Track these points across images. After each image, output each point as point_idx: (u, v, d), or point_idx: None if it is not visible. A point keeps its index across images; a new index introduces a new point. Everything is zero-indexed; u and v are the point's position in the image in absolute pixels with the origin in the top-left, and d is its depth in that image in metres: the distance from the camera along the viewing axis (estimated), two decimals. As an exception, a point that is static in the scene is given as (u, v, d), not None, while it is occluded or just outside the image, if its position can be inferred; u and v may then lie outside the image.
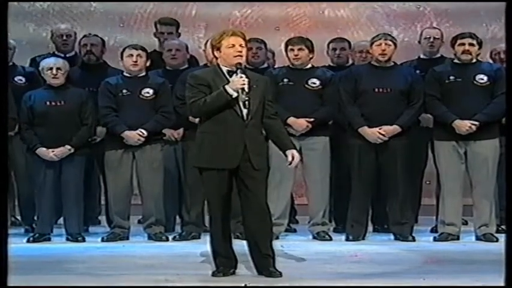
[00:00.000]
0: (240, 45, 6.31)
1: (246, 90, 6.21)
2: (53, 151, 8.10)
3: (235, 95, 6.20)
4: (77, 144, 8.15)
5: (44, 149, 8.11)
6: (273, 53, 9.11)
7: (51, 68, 8.20)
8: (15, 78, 8.62)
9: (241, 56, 6.30)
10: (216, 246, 6.38)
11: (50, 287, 6.19)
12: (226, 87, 6.20)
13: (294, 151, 6.41)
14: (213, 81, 6.29)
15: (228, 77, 6.28)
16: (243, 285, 6.14)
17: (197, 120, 6.57)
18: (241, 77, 6.21)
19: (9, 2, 6.12)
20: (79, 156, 8.20)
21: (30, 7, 10.66)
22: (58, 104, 8.18)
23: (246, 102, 6.23)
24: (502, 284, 6.17)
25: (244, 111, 6.26)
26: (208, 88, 6.28)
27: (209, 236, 6.42)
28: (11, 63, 8.73)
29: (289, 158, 6.38)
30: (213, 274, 6.35)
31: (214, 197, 6.31)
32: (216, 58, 6.41)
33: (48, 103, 8.17)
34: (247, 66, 6.57)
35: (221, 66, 6.35)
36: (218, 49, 6.35)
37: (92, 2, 10.70)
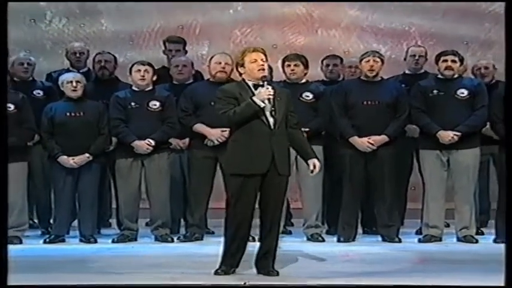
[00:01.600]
0: (262, 60, 6.32)
1: (272, 100, 6.20)
2: (73, 159, 8.08)
3: (262, 105, 6.19)
4: (95, 152, 8.14)
5: (65, 157, 8.09)
6: (271, 69, 9.08)
7: (70, 82, 8.21)
8: (34, 92, 8.61)
9: (264, 69, 6.31)
10: (230, 246, 6.33)
11: (49, 286, 6.14)
12: (254, 98, 6.20)
13: (316, 160, 6.43)
14: (239, 94, 6.29)
15: (253, 90, 6.28)
16: (242, 283, 6.13)
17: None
18: (267, 88, 6.21)
19: (9, 2, 5.92)
20: (96, 164, 8.20)
21: (47, 27, 10.67)
22: (77, 115, 8.17)
23: (273, 112, 6.22)
24: (484, 282, 6.20)
25: (271, 120, 6.25)
26: (236, 100, 6.28)
27: (224, 236, 6.37)
28: (30, 79, 8.74)
29: (311, 167, 6.41)
30: (216, 272, 6.32)
31: (241, 201, 6.26)
32: (241, 74, 6.39)
33: (68, 114, 8.17)
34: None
35: (246, 80, 6.34)
36: (242, 65, 6.36)
37: (103, 22, 10.70)
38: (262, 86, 6.25)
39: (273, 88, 6.27)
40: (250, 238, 6.46)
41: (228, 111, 6.28)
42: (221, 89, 6.48)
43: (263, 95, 6.19)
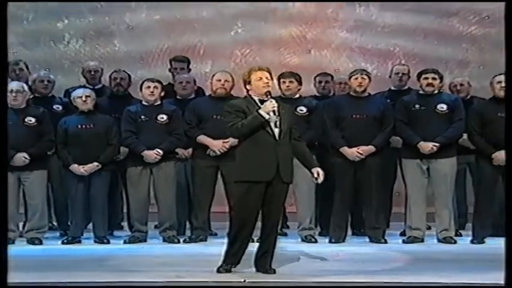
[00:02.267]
0: (266, 78, 6.30)
1: (277, 112, 6.19)
2: (83, 167, 8.06)
3: (267, 117, 6.17)
4: (104, 161, 8.12)
5: (76, 165, 8.07)
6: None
7: (80, 97, 8.19)
8: (54, 107, 8.60)
9: (268, 86, 6.29)
10: (233, 246, 6.30)
11: (48, 286, 6.08)
12: (260, 111, 6.18)
13: (319, 169, 6.40)
14: (247, 108, 6.27)
15: (259, 104, 6.25)
16: (242, 280, 6.12)
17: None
18: (271, 102, 6.20)
19: (9, 2, 5.81)
20: (105, 172, 8.17)
21: (65, 47, 10.68)
22: (88, 127, 8.15)
23: (277, 123, 6.21)
24: (462, 279, 6.19)
25: (276, 131, 6.22)
26: (244, 114, 6.25)
27: (228, 236, 6.36)
28: (50, 95, 8.73)
29: (315, 175, 6.38)
30: (218, 270, 6.30)
31: (246, 206, 6.24)
32: (248, 90, 6.36)
33: (79, 126, 8.15)
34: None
35: (253, 96, 6.31)
36: (249, 83, 6.33)
37: (116, 43, 10.70)
38: (267, 100, 6.24)
39: (276, 102, 6.27)
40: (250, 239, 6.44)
41: (237, 123, 6.25)
42: (230, 104, 6.47)
43: (268, 108, 6.18)
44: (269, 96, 6.26)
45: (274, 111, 6.19)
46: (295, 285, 6.16)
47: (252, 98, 6.33)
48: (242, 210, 6.26)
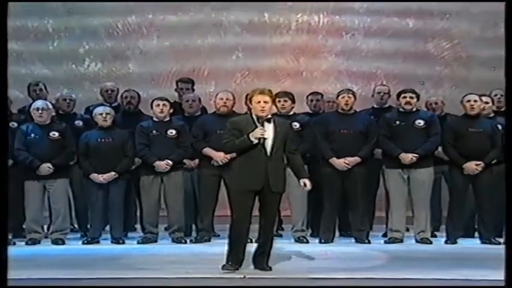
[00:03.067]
0: (264, 102, 6.19)
1: (265, 137, 6.14)
2: (102, 176, 8.06)
3: (255, 142, 6.14)
4: (121, 171, 8.11)
5: (96, 174, 8.06)
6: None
7: (101, 114, 8.19)
8: (75, 122, 8.59)
9: (264, 110, 6.21)
10: (233, 246, 6.27)
11: (48, 286, 5.99)
12: (250, 135, 6.14)
13: (306, 180, 6.38)
14: (244, 127, 6.21)
15: (257, 123, 6.19)
16: (242, 276, 6.13)
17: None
18: (261, 129, 6.15)
19: (9, 2, 5.47)
20: (122, 180, 8.15)
21: (85, 70, 10.68)
22: (107, 140, 8.14)
23: (269, 141, 6.17)
24: (438, 276, 6.18)
25: (268, 148, 6.20)
26: (240, 132, 6.22)
27: (229, 237, 6.32)
28: (72, 112, 8.74)
29: (302, 185, 6.38)
30: (222, 268, 6.27)
31: (241, 210, 6.23)
32: (249, 108, 6.35)
33: (99, 140, 8.14)
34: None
35: (252, 114, 6.27)
36: (250, 102, 6.29)
37: (130, 66, 10.70)
38: (266, 120, 6.20)
39: (274, 121, 6.24)
40: (248, 240, 6.43)
41: (230, 141, 6.27)
42: (230, 121, 6.46)
43: (256, 134, 6.14)
44: (264, 118, 6.20)
45: (262, 138, 6.14)
46: (290, 283, 6.16)
47: (252, 116, 6.31)
48: (237, 214, 6.25)
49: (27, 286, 5.91)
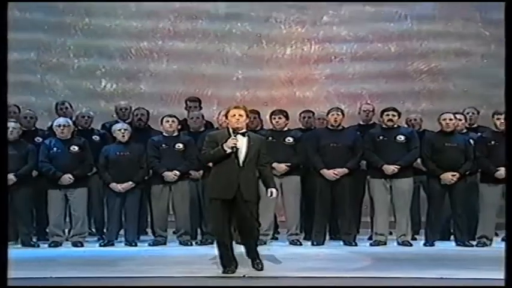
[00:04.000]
0: (239, 115, 6.11)
1: (238, 147, 6.05)
2: (120, 185, 8.06)
3: (228, 151, 6.05)
4: (137, 181, 8.10)
5: (114, 184, 8.06)
6: (261, 120, 9.07)
7: (120, 129, 8.21)
8: (93, 137, 8.55)
9: (238, 122, 6.12)
10: (221, 252, 6.21)
11: (48, 286, 5.85)
12: (224, 145, 6.06)
13: (273, 189, 6.28)
14: (220, 140, 6.12)
15: (232, 135, 6.11)
16: (242, 275, 6.12)
17: (211, 164, 6.38)
18: (233, 139, 6.06)
19: (9, 1, 5.16)
20: (137, 189, 8.13)
21: (102, 90, 10.67)
22: (124, 154, 8.13)
23: (241, 152, 6.08)
24: (417, 275, 6.18)
25: (241, 158, 6.12)
26: (216, 144, 6.13)
27: (216, 245, 6.27)
28: (90, 128, 8.72)
29: (269, 194, 6.29)
30: (222, 273, 6.18)
31: (217, 218, 6.16)
32: (227, 123, 6.28)
33: (118, 153, 8.13)
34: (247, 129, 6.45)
35: (229, 128, 6.19)
36: (226, 117, 6.25)
37: (142, 86, 10.71)
38: (239, 133, 6.11)
39: (248, 135, 6.15)
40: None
41: (206, 152, 6.18)
42: (208, 134, 6.39)
43: (229, 144, 6.05)
44: (234, 133, 6.09)
45: (234, 147, 6.04)
46: (286, 281, 6.15)
47: (228, 130, 6.18)
48: (212, 222, 6.21)
49: (27, 286, 5.78)
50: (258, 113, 8.64)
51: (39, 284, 5.91)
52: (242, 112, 6.16)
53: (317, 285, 5.97)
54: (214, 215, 6.19)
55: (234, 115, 6.14)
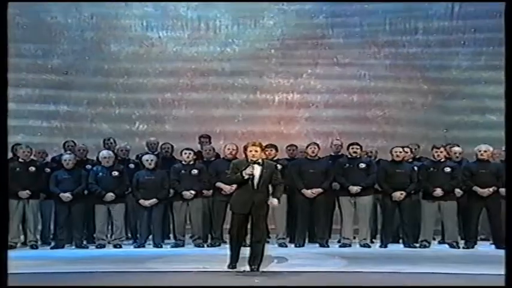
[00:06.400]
0: (255, 151, 6.02)
1: (254, 174, 6.00)
2: (148, 201, 8.05)
3: (246, 177, 6.03)
4: (160, 198, 8.08)
5: (143, 200, 8.06)
6: (277, 151, 8.83)
7: (147, 160, 8.23)
8: (129, 165, 8.53)
9: (254, 156, 6.01)
10: (232, 251, 6.18)
11: (48, 286, 5.42)
12: (243, 172, 6.03)
13: (275, 199, 6.16)
14: (241, 167, 6.07)
15: (251, 165, 6.03)
16: (242, 270, 6.08)
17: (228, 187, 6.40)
18: (250, 168, 6.00)
19: (9, 1, 4.43)
20: (161, 204, 8.12)
21: (136, 129, 10.65)
22: (151, 178, 8.11)
23: (255, 178, 6.02)
24: (372, 270, 6.15)
25: (256, 182, 6.05)
26: (238, 170, 6.08)
27: (229, 245, 6.21)
28: (127, 158, 8.70)
29: (269, 202, 6.18)
30: (228, 267, 6.16)
31: (234, 226, 6.12)
32: (246, 154, 6.18)
33: (146, 177, 8.12)
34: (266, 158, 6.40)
35: (248, 158, 6.11)
36: (246, 150, 6.16)
37: (166, 126, 10.72)
38: (255, 163, 6.06)
39: (263, 164, 6.09)
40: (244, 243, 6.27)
41: (230, 176, 6.17)
42: (233, 162, 6.36)
43: (247, 172, 6.01)
44: (255, 162, 6.05)
45: (251, 174, 6.00)
46: (275, 276, 6.12)
47: (247, 160, 6.16)
48: (233, 230, 6.13)
49: (28, 286, 5.39)
50: (275, 146, 8.47)
51: (82, 278, 5.85)
52: (258, 148, 6.08)
53: (300, 277, 5.91)
54: (234, 224, 6.13)
55: (251, 150, 6.07)
